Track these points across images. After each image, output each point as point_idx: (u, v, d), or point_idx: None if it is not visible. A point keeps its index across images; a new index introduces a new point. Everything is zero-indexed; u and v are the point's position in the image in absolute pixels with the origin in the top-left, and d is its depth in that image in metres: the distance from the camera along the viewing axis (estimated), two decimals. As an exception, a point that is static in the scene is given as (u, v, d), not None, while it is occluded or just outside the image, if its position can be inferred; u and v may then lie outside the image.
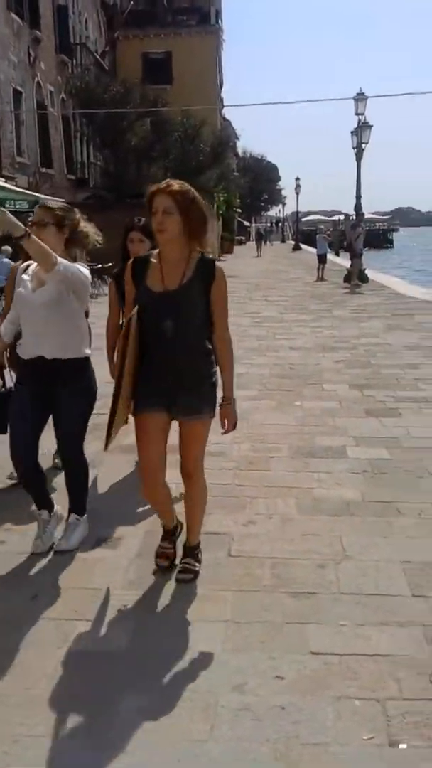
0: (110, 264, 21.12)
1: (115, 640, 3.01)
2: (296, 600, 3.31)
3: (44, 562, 3.71)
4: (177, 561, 3.61)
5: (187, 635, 3.03)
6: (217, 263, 3.21)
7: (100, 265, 19.02)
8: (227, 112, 49.25)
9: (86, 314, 3.98)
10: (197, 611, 3.23)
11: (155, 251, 3.25)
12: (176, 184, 3.07)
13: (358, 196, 23.74)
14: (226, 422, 3.33)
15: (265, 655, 2.87)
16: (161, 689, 2.68)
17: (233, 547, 3.89)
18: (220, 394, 3.37)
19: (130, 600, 3.33)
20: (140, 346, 3.18)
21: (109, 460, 5.36)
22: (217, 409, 3.34)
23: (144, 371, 3.23)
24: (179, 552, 3.65)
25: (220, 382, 3.38)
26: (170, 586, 3.45)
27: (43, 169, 26.61)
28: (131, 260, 3.36)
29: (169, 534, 3.68)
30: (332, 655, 2.87)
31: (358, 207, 23.93)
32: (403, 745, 2.36)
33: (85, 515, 4.00)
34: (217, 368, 3.33)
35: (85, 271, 3.65)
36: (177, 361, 3.18)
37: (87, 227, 3.85)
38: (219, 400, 3.36)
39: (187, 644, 2.96)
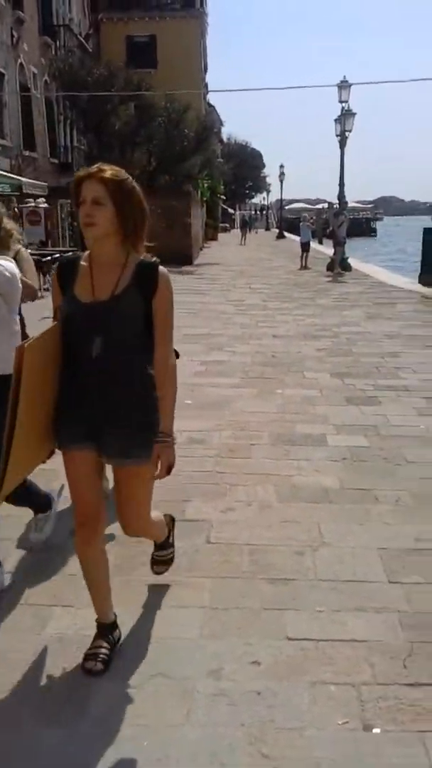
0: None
1: (92, 626, 3.00)
2: (274, 586, 3.33)
3: (21, 552, 3.70)
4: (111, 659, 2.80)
5: (164, 621, 3.05)
6: (161, 269, 2.59)
7: (57, 255, 18.94)
8: (212, 98, 48.91)
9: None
10: (175, 598, 3.24)
11: (86, 252, 2.66)
12: (109, 170, 2.53)
13: (341, 184, 23.72)
14: (159, 464, 2.65)
15: (242, 641, 2.89)
16: (138, 675, 2.69)
17: (212, 534, 3.90)
18: None
19: (112, 587, 3.33)
20: (64, 361, 2.60)
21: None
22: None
23: (68, 393, 2.61)
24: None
25: None
26: (149, 573, 3.46)
27: (26, 152, 26.30)
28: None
29: (105, 630, 2.83)
30: (309, 640, 2.89)
31: (341, 195, 23.90)
32: (377, 730, 2.40)
33: (50, 510, 3.86)
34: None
35: (8, 265, 3.27)
36: (104, 387, 2.56)
37: (9, 224, 3.66)
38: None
39: (164, 630, 2.98)
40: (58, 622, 3.02)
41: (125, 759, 2.27)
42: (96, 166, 2.55)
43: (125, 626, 2.99)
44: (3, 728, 2.38)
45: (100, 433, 2.60)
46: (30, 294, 3.73)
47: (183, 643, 2.88)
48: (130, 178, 2.59)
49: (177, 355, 2.93)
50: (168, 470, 2.67)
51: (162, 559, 3.39)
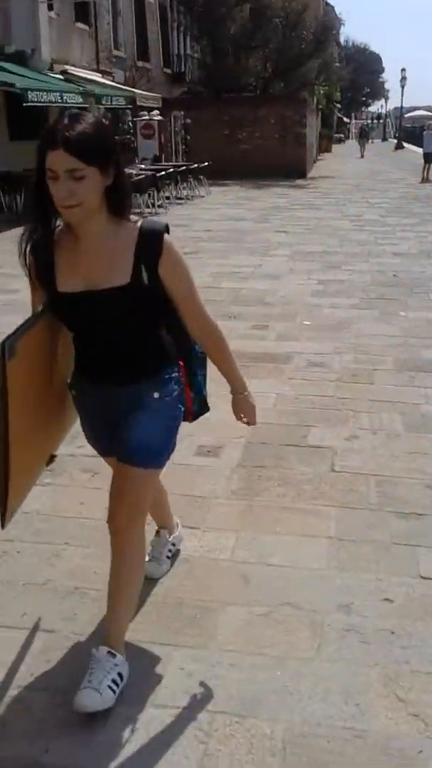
0: (207, 163, 20.40)
1: (218, 549, 2.99)
2: (404, 520, 3.19)
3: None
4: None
5: (289, 549, 2.98)
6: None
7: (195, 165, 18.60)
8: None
9: None
10: (300, 525, 3.17)
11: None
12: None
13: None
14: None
15: (372, 575, 2.79)
16: (264, 602, 2.65)
17: (336, 461, 3.78)
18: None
19: (233, 510, 3.30)
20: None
21: (211, 366, 5.31)
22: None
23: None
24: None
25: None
26: (274, 498, 3.40)
27: (140, 63, 25.77)
28: (28, 246, 2.07)
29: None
30: (443, 580, 2.75)
31: (472, 100, 22.11)
32: None
33: None
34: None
35: None
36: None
37: None
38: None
39: (289, 559, 2.92)
40: (184, 543, 3.01)
41: (258, 687, 2.24)
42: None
43: (249, 550, 2.96)
44: (133, 643, 2.40)
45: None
46: None
47: (310, 574, 2.82)
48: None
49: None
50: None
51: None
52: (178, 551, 2.95)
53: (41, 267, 2.08)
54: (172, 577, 2.81)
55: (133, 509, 2.20)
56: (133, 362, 2.18)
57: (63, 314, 2.13)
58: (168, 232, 2.09)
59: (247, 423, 2.43)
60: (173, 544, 2.91)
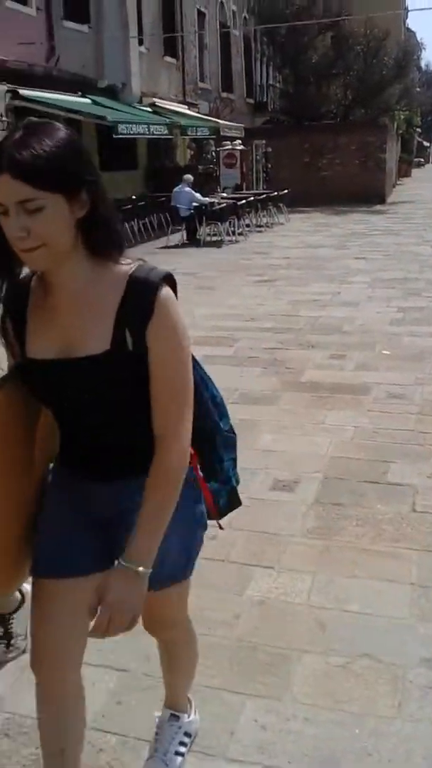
0: (287, 190, 20.51)
1: (294, 592, 2.89)
2: None
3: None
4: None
5: (368, 595, 2.85)
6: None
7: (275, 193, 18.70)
8: (411, 20, 45.44)
9: None
10: (380, 569, 3.03)
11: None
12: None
13: None
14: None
15: (458, 627, 2.64)
16: (342, 651, 2.53)
17: (418, 500, 3.62)
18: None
19: (309, 551, 3.20)
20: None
21: (288, 396, 5.25)
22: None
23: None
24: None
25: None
26: (352, 538, 3.28)
27: (224, 94, 26.32)
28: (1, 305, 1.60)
29: None
30: None
31: None
32: None
33: None
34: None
35: None
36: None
37: None
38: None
39: (368, 605, 2.78)
40: (258, 584, 2.93)
41: (335, 746, 2.12)
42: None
43: (326, 594, 2.84)
44: (206, 695, 2.33)
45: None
46: None
47: (390, 622, 2.68)
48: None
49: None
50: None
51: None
52: (191, 741, 2.11)
53: (15, 328, 1.58)
54: (245, 620, 2.72)
55: (167, 623, 1.86)
56: (121, 453, 1.62)
57: (34, 385, 1.59)
58: (169, 284, 1.52)
59: (92, 629, 1.55)
60: (187, 734, 2.08)
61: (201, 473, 1.73)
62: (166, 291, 1.50)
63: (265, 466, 3.99)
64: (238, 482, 1.87)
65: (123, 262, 1.51)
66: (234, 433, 1.85)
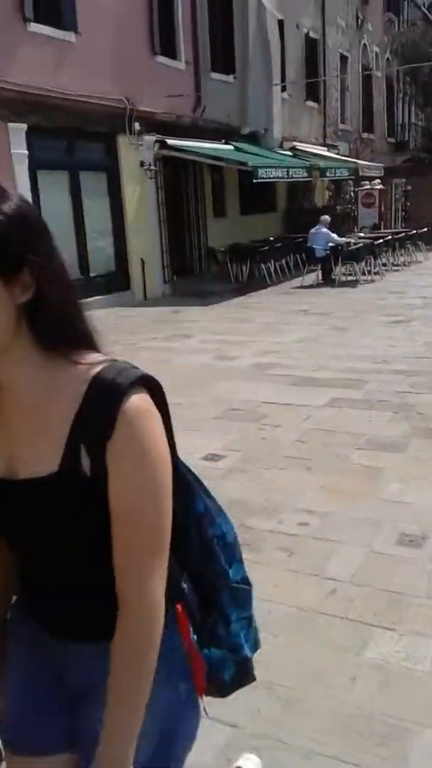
0: (426, 228, 20.11)
1: (416, 657, 2.71)
2: None
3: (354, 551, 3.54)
4: None
5: None
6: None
7: (414, 231, 18.32)
8: None
9: None
10: None
11: None
12: None
13: None
14: None
15: None
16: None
17: None
18: None
19: (436, 614, 3.00)
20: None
21: (418, 443, 5.03)
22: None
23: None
24: None
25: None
26: None
27: (365, 135, 26.31)
28: None
29: None
30: None
31: None
32: None
33: None
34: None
35: None
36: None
37: None
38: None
39: None
40: (378, 645, 2.78)
41: None
42: None
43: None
44: (320, 762, 2.21)
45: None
46: None
47: None
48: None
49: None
50: None
51: None
52: None
53: None
54: (363, 686, 2.58)
55: None
56: (85, 609, 1.26)
57: None
58: (149, 389, 1.16)
59: None
60: None
61: (193, 637, 1.32)
62: (137, 399, 1.13)
63: (391, 518, 3.80)
64: (256, 648, 1.46)
65: (86, 361, 1.16)
66: (249, 584, 1.45)
